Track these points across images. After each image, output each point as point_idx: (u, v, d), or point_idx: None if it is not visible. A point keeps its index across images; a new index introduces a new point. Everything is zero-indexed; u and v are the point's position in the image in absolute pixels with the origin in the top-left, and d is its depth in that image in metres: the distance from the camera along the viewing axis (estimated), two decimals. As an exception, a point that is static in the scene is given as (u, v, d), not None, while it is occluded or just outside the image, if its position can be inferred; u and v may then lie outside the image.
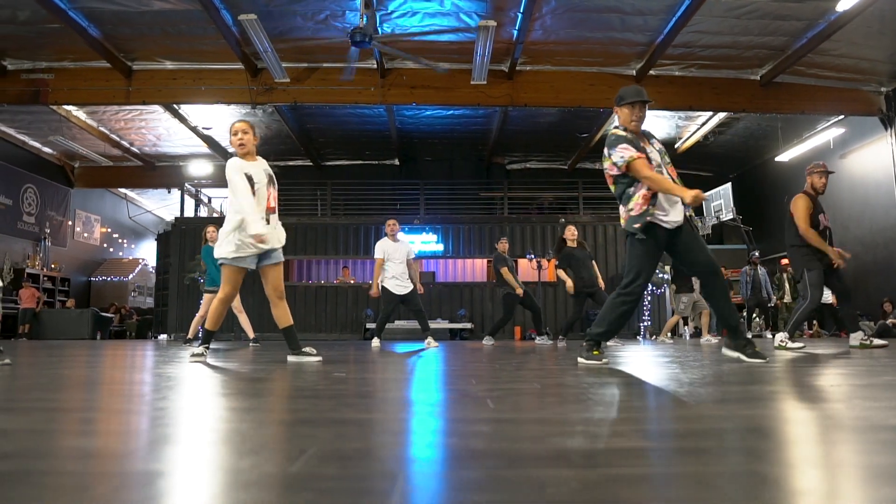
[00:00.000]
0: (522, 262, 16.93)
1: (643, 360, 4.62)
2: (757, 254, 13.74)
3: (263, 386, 2.83)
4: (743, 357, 4.27)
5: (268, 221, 4.72)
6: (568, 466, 1.16)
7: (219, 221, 16.79)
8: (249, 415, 1.89)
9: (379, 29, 10.90)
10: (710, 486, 1.01)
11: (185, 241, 15.39)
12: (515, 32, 11.14)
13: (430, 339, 8.44)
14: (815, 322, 14.71)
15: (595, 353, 4.20)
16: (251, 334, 9.49)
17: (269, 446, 1.38)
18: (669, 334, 11.83)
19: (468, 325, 14.96)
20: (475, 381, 3.00)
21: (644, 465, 1.18)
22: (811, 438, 1.45)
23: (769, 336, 13.47)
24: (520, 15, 10.54)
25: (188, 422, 1.75)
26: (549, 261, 14.71)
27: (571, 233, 9.57)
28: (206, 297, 9.13)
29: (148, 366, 4.39)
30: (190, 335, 9.42)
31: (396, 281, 8.58)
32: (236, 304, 9.12)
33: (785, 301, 14.28)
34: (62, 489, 1.04)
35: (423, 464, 1.21)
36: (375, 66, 12.32)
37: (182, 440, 1.47)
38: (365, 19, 9.73)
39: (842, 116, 13.78)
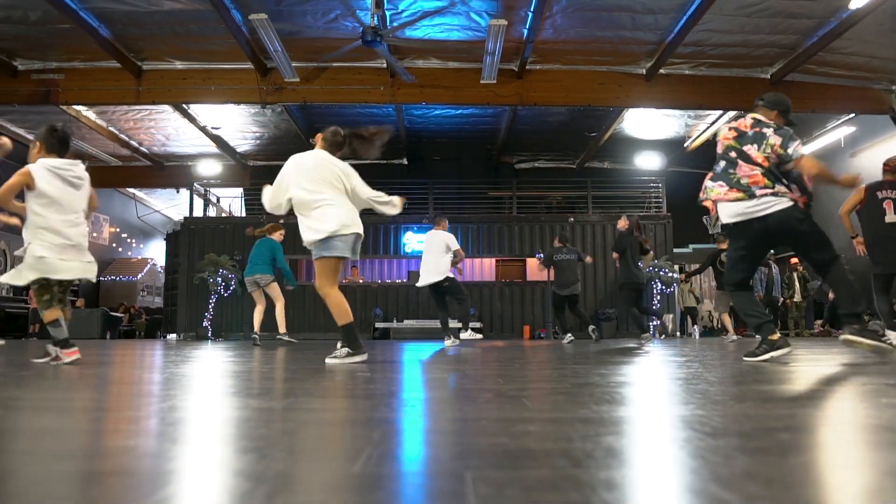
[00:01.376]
0: (531, 262, 16.96)
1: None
2: (772, 251, 13.71)
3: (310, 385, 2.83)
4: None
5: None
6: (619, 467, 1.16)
7: (228, 221, 16.82)
8: (311, 415, 1.89)
9: (388, 27, 10.90)
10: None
11: (193, 240, 15.41)
12: (526, 31, 11.13)
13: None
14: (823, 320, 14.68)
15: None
16: (257, 329, 9.51)
17: (328, 448, 1.38)
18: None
19: (477, 325, 14.94)
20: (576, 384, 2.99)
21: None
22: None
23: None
24: (530, 14, 10.54)
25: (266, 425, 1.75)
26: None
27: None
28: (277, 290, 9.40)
29: (168, 364, 4.39)
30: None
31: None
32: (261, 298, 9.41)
33: (795, 300, 14.27)
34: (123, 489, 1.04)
35: (485, 463, 1.20)
36: (385, 65, 12.31)
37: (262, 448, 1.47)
38: (376, 19, 9.75)
39: (852, 115, 13.74)
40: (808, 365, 3.88)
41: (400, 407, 2.06)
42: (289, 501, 0.94)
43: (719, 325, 13.36)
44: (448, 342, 8.59)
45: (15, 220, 4.77)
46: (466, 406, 2.06)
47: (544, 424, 1.67)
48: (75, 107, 13.84)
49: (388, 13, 10.63)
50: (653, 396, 2.30)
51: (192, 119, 14.87)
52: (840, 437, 1.46)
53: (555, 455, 1.25)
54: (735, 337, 10.62)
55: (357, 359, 4.36)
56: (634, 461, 1.21)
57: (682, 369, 3.61)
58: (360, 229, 4.62)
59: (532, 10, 10.40)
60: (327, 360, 4.37)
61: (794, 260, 14.07)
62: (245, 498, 0.95)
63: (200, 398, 2.32)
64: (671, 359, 4.77)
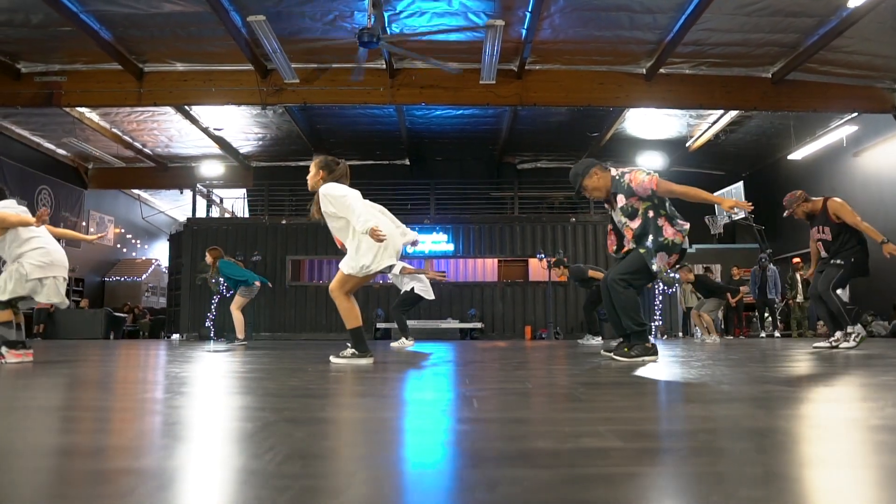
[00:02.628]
0: (533, 262, 16.97)
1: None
2: (765, 256, 13.69)
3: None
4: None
5: None
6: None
7: (231, 222, 16.92)
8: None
9: (387, 29, 10.92)
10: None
11: (196, 241, 15.47)
12: (524, 31, 11.11)
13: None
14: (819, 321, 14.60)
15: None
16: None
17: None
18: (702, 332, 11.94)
19: (478, 325, 14.96)
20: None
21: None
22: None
23: (777, 335, 13.41)
24: (528, 14, 10.51)
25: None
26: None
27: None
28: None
29: (163, 365, 4.42)
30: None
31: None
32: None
33: (798, 301, 14.20)
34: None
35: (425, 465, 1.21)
36: (384, 66, 12.32)
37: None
38: (373, 19, 9.75)
39: (855, 114, 13.65)
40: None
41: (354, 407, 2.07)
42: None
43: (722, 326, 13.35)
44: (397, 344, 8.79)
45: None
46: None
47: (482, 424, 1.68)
48: (78, 109, 13.93)
49: (385, 14, 10.64)
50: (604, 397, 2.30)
51: (194, 120, 14.94)
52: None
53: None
54: (715, 338, 10.75)
55: (362, 361, 4.40)
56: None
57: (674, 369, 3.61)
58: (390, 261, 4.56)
59: (530, 10, 10.38)
60: (332, 359, 4.49)
61: (797, 260, 14.00)
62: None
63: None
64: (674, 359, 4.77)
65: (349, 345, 4.54)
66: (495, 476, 1.06)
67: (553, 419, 1.73)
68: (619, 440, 1.36)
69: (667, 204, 4.44)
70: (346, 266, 4.45)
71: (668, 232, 4.37)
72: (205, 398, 2.32)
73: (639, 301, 4.50)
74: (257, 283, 9.55)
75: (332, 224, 4.58)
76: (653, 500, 0.92)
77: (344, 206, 4.34)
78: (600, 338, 10.09)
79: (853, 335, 6.25)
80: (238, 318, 9.40)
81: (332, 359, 4.47)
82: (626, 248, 4.61)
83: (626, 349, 4.35)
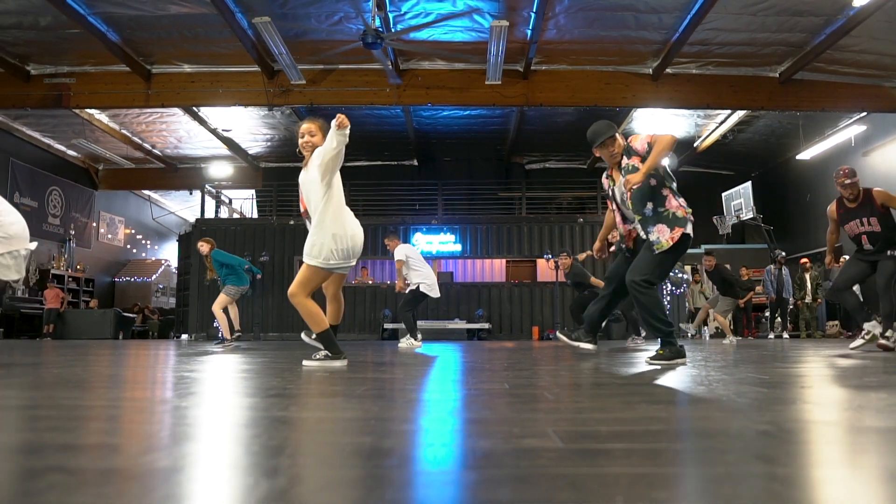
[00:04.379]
0: (541, 262, 16.95)
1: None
2: (782, 253, 13.59)
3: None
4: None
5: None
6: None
7: (239, 223, 17.02)
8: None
9: (392, 29, 10.94)
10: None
11: (206, 242, 15.53)
12: (529, 32, 11.10)
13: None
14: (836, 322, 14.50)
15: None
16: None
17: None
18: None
19: (486, 325, 14.95)
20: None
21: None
22: None
23: (786, 336, 13.31)
24: (533, 14, 10.51)
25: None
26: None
27: None
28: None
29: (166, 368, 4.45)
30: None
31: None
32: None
33: (806, 301, 14.11)
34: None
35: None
36: (390, 67, 12.35)
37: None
38: (378, 20, 9.78)
39: (864, 113, 13.54)
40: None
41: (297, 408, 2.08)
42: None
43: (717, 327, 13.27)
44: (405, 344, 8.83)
45: None
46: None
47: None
48: (88, 110, 14.06)
49: (391, 15, 10.67)
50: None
51: (202, 122, 15.04)
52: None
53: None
54: (733, 340, 10.59)
55: (336, 364, 4.34)
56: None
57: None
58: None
59: (535, 10, 10.37)
60: (304, 363, 4.38)
61: (805, 260, 13.91)
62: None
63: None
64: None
65: (321, 346, 4.42)
66: (406, 477, 1.07)
67: (510, 419, 1.73)
68: (560, 441, 1.37)
69: (673, 183, 4.41)
70: (309, 256, 4.35)
71: (672, 204, 4.28)
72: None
73: (662, 301, 4.42)
74: (246, 286, 9.34)
75: (309, 188, 4.49)
76: (545, 500, 0.92)
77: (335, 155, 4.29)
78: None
79: (864, 332, 5.93)
80: (221, 317, 9.02)
81: (305, 363, 4.36)
82: (630, 233, 4.61)
83: (659, 351, 4.20)
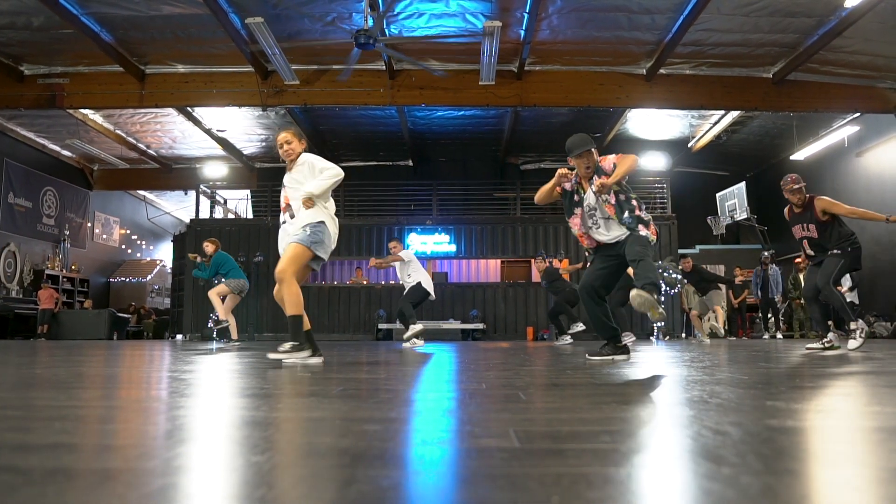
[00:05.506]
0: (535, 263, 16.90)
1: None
2: (767, 254, 13.61)
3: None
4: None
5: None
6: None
7: (234, 223, 16.98)
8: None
9: (385, 31, 10.94)
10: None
11: (200, 242, 15.49)
12: (522, 32, 11.11)
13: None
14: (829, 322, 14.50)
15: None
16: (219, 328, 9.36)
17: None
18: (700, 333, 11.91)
19: (480, 326, 14.95)
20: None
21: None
22: None
23: (780, 337, 13.33)
24: (526, 15, 10.51)
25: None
26: (560, 261, 14.72)
27: None
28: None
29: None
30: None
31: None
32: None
33: (801, 301, 14.12)
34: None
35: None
36: (384, 67, 12.36)
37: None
38: (371, 21, 9.78)
39: (857, 114, 13.57)
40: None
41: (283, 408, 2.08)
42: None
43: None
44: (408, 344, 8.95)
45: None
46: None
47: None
48: (82, 110, 14.04)
49: (384, 15, 10.65)
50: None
51: (197, 122, 15.03)
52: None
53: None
54: (707, 341, 10.83)
55: (301, 355, 4.31)
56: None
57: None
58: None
59: (528, 11, 10.38)
60: (269, 355, 4.40)
61: (799, 260, 13.92)
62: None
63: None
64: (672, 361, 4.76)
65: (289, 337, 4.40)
66: (356, 475, 1.08)
67: (475, 420, 1.74)
68: (518, 442, 1.37)
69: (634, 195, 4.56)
70: (304, 238, 4.43)
71: (641, 210, 4.52)
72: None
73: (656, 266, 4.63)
74: (245, 280, 9.50)
75: (293, 188, 4.57)
76: (479, 501, 0.93)
77: (323, 175, 4.50)
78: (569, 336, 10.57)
79: (857, 331, 6.10)
80: (217, 303, 9.16)
81: (270, 355, 4.35)
82: (599, 240, 4.66)
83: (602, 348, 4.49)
